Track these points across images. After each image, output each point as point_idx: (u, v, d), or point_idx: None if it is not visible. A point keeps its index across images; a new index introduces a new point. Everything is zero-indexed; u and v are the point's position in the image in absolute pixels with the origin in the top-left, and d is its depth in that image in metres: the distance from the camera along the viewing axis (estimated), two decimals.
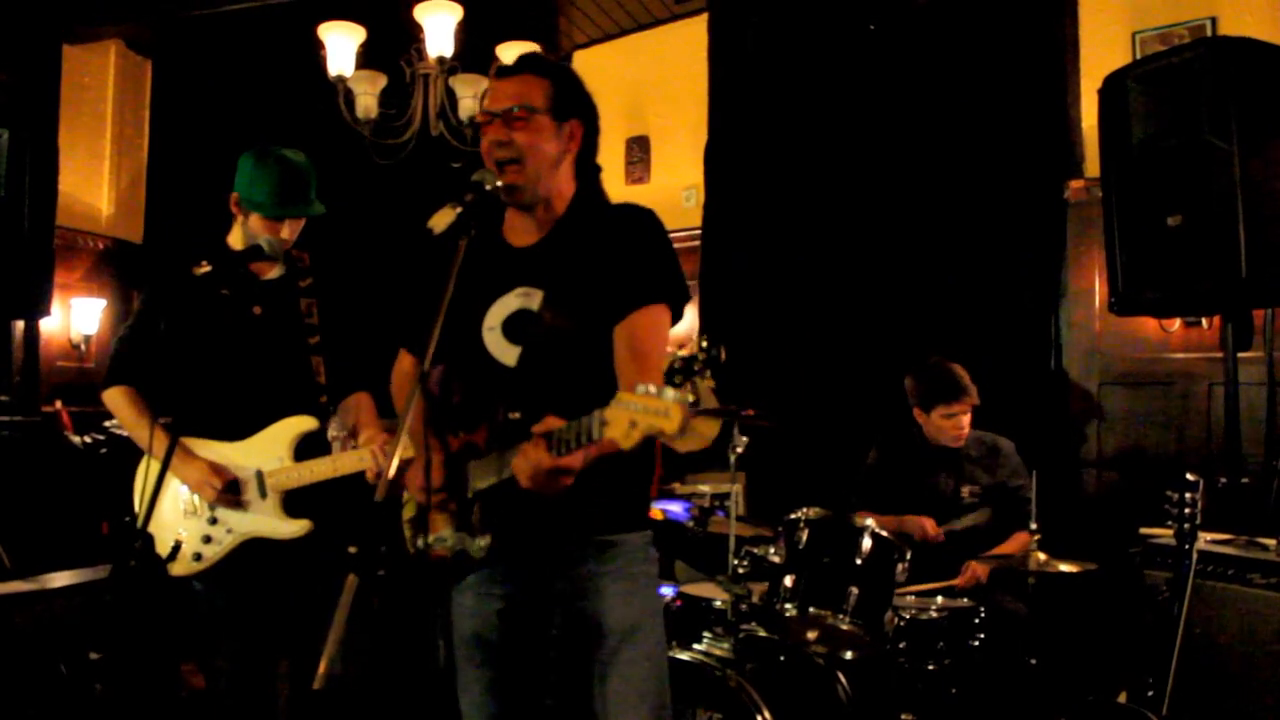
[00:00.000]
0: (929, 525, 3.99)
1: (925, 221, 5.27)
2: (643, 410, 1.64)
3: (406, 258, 2.40)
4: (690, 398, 1.64)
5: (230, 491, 2.87)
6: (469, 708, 2.25)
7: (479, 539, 2.13)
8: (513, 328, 2.20)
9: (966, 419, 4.13)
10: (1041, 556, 3.55)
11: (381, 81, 4.92)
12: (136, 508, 2.91)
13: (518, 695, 2.24)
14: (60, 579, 3.64)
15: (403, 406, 2.35)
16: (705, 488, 4.58)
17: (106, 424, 5.59)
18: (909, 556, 3.47)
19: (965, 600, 3.71)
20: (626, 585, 2.19)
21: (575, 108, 2.24)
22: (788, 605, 3.35)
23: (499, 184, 2.12)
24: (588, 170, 2.31)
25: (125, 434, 3.04)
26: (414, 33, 4.85)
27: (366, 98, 4.88)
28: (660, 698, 2.19)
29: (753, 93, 5.92)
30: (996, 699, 3.65)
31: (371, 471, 2.80)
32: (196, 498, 2.89)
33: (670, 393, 1.63)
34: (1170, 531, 2.98)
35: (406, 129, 4.98)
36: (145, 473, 2.96)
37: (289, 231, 2.95)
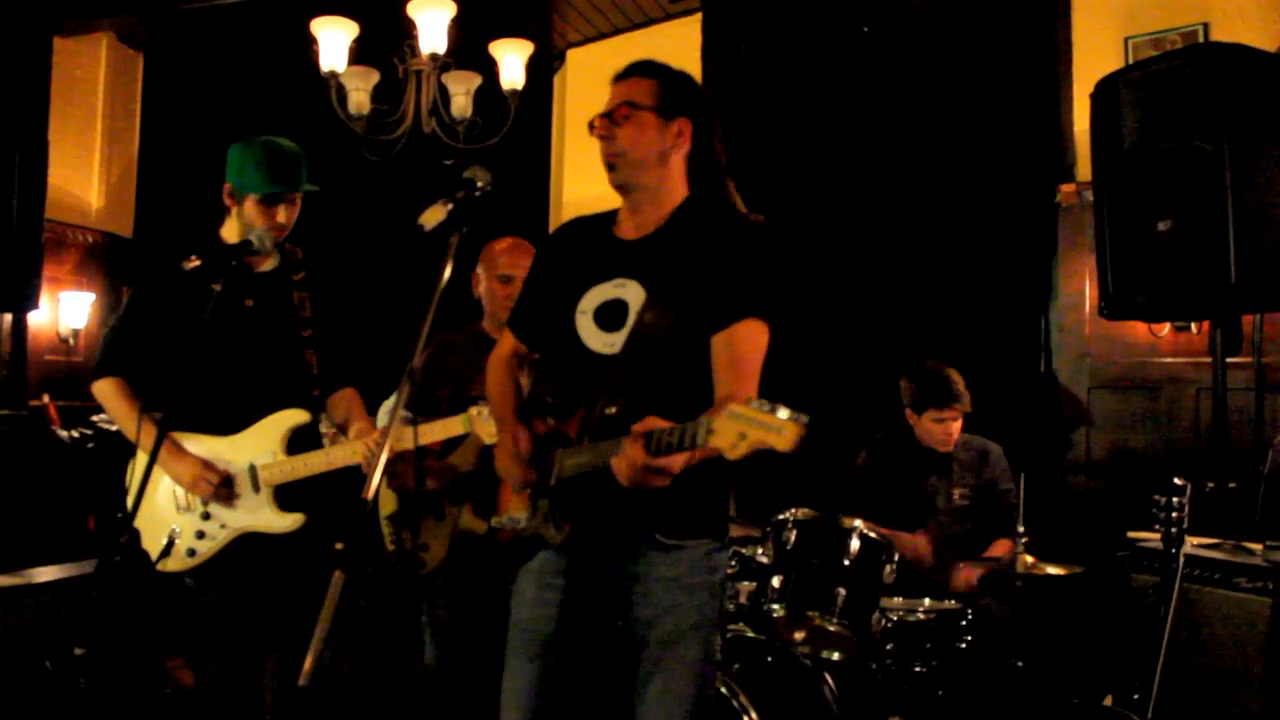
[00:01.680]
0: (922, 547, 3.97)
1: (917, 224, 5.27)
2: (755, 424, 1.65)
3: (548, 248, 2.51)
4: (805, 416, 1.64)
5: (225, 488, 2.86)
6: (511, 697, 2.25)
7: (556, 527, 2.17)
8: (605, 315, 2.22)
9: (956, 425, 4.13)
10: (1029, 559, 3.56)
11: (374, 78, 4.91)
12: (129, 504, 2.90)
13: (562, 691, 2.24)
14: (46, 574, 3.62)
15: (493, 388, 2.41)
16: None
17: (94, 418, 5.56)
18: (897, 559, 3.47)
19: (952, 602, 3.71)
20: (681, 596, 2.19)
21: (685, 106, 2.27)
22: (775, 606, 3.35)
23: (490, 182, 2.13)
24: (705, 172, 2.33)
25: (114, 429, 3.03)
26: (407, 29, 4.84)
27: (359, 94, 4.87)
28: (699, 707, 2.19)
29: (746, 93, 5.92)
30: (983, 701, 3.65)
31: (367, 463, 2.80)
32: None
33: (784, 411, 1.64)
34: (1157, 535, 2.98)
35: (399, 126, 4.97)
36: (135, 469, 2.95)
37: (284, 216, 2.94)
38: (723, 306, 2.15)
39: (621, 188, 2.27)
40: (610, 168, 2.25)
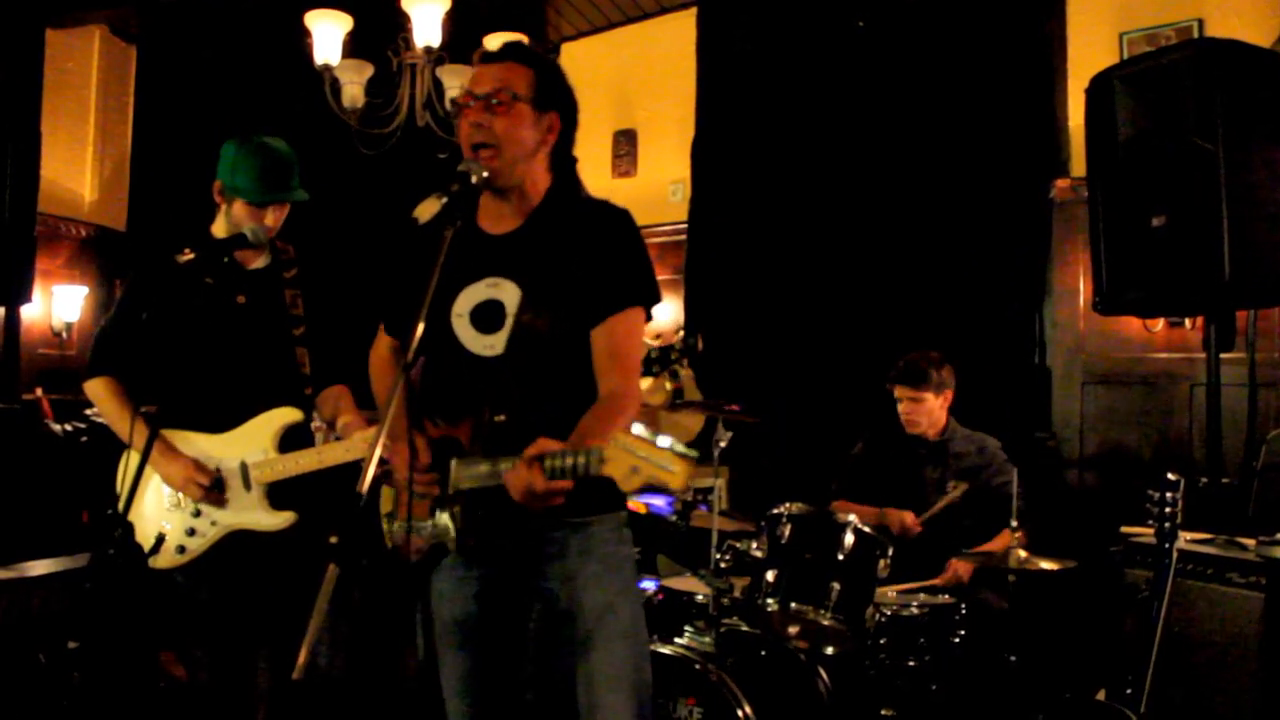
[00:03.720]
0: (909, 518, 3.99)
1: (911, 218, 5.28)
2: (647, 460, 1.70)
3: (392, 243, 2.40)
4: (694, 453, 1.70)
5: (215, 489, 2.85)
6: (451, 692, 2.26)
7: (457, 535, 2.13)
8: (482, 317, 2.20)
9: (918, 408, 4.13)
10: (1022, 554, 3.56)
11: (368, 71, 4.90)
12: (121, 500, 2.89)
13: (498, 679, 2.26)
14: (39, 567, 3.61)
15: (382, 391, 2.36)
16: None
17: (87, 412, 5.55)
18: (890, 553, 3.47)
19: (946, 597, 3.72)
20: (599, 566, 2.20)
21: (556, 100, 2.23)
22: (769, 600, 3.35)
23: (484, 175, 2.11)
24: (564, 162, 2.30)
25: (106, 423, 3.02)
26: (401, 22, 4.83)
27: (353, 87, 4.86)
28: (640, 675, 2.20)
29: (740, 87, 5.91)
30: (976, 696, 3.66)
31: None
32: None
33: (665, 440, 1.70)
34: (1151, 530, 2.99)
35: (393, 119, 4.96)
36: (127, 465, 2.93)
37: (273, 218, 2.93)
38: (598, 301, 2.15)
39: (488, 176, 2.16)
40: (475, 152, 2.13)
